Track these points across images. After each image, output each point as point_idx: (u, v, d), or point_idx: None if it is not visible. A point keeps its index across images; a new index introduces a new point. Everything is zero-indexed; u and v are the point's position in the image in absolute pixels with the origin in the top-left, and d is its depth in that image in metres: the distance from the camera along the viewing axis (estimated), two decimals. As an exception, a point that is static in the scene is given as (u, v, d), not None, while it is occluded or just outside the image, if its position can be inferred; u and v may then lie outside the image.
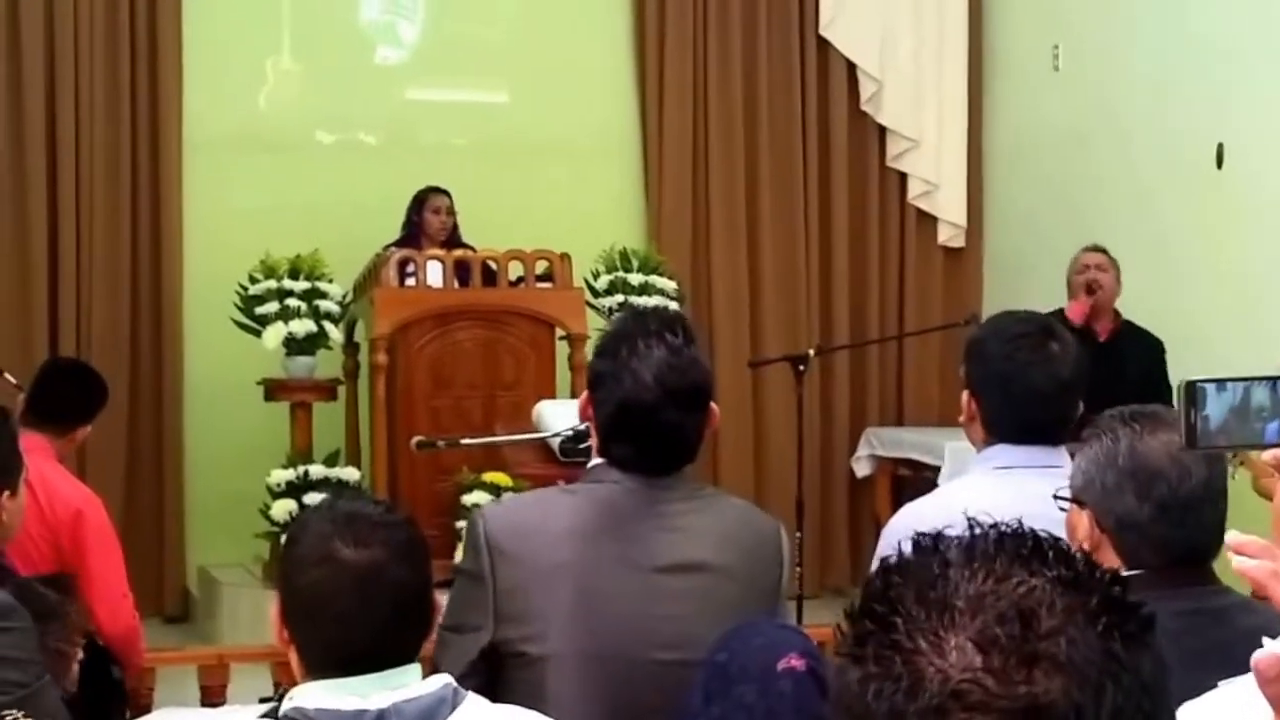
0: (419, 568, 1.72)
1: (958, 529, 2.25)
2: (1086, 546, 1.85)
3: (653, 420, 2.12)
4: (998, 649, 0.83)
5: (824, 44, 7.35)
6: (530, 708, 2.02)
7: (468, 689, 2.04)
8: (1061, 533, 1.91)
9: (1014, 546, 0.88)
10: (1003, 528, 0.89)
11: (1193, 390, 1.41)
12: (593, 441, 2.23)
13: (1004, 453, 2.33)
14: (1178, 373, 5.39)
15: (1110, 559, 1.83)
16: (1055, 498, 1.92)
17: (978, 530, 0.89)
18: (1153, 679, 0.85)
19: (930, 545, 0.89)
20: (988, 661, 0.82)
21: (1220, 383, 1.40)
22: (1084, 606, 0.85)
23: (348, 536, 1.67)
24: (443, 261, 6.07)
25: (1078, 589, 0.86)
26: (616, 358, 2.15)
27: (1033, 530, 0.89)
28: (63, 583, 3.02)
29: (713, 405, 2.19)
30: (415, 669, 1.69)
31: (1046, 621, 0.84)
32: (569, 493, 2.33)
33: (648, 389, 2.11)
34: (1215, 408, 1.40)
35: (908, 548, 0.90)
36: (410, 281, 6.01)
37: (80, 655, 2.95)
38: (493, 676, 2.10)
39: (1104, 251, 5.49)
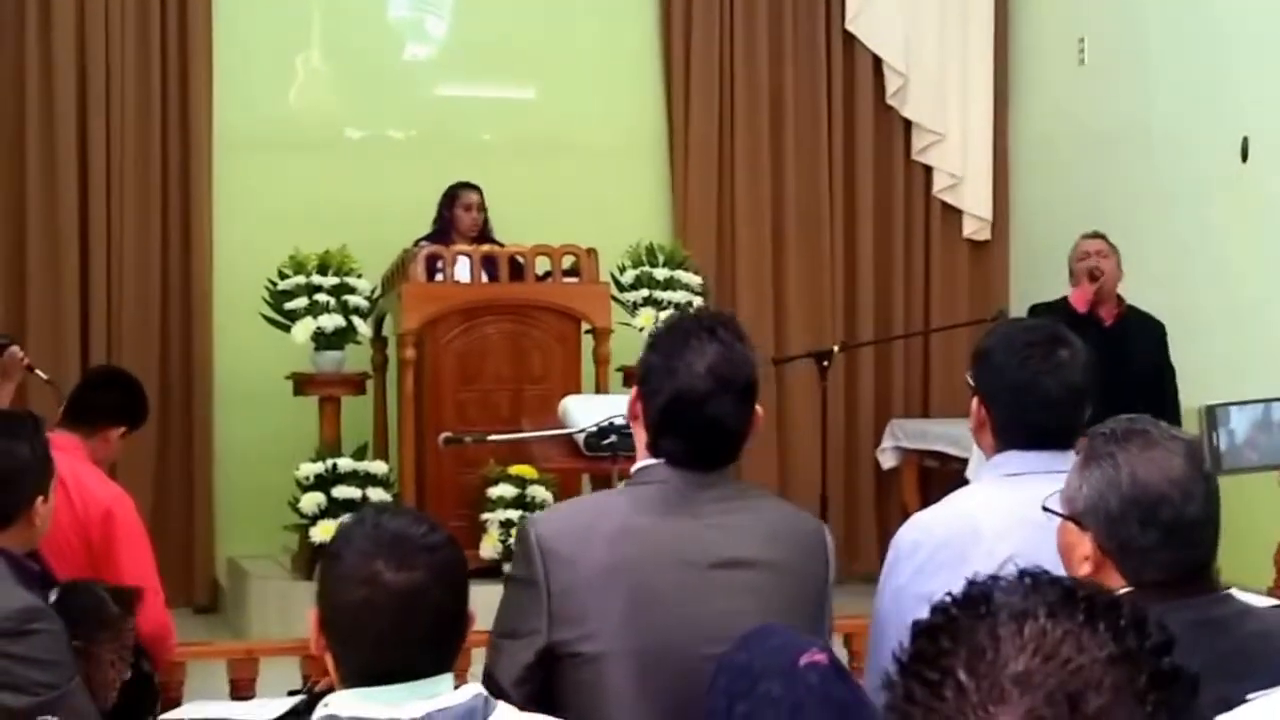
0: (459, 590, 1.74)
1: (970, 540, 2.24)
2: (1088, 568, 1.88)
3: (704, 411, 2.16)
4: None
5: (850, 39, 7.36)
6: (587, 706, 2.07)
7: (524, 694, 2.08)
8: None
9: (1066, 617, 0.88)
10: (1055, 590, 0.89)
11: (1213, 414, 1.43)
12: (639, 439, 2.25)
13: (1014, 459, 2.34)
14: (1196, 366, 5.41)
15: (1113, 578, 1.86)
16: (1045, 509, 1.94)
17: (1029, 587, 0.89)
18: None
19: (980, 603, 0.89)
20: None
21: (1240, 404, 1.42)
22: (1131, 684, 0.86)
23: (391, 559, 1.68)
24: (470, 256, 6.12)
25: (1127, 664, 0.86)
26: (670, 352, 2.19)
27: (1085, 594, 0.89)
28: (127, 598, 3.07)
29: (758, 406, 2.23)
30: (448, 679, 1.72)
31: (1094, 702, 0.84)
32: (616, 494, 2.38)
33: (701, 379, 2.15)
34: (1239, 427, 1.42)
35: (958, 593, 0.89)
36: (438, 277, 6.06)
37: (127, 674, 3.00)
38: (549, 678, 2.13)
39: (1103, 238, 5.49)
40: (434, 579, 1.69)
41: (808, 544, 2.26)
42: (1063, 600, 0.89)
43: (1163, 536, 1.83)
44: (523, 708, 2.03)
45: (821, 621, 2.25)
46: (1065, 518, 1.91)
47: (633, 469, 2.28)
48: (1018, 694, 0.85)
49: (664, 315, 6.19)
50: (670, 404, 2.17)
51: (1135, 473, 1.85)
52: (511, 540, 5.68)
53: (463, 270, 6.12)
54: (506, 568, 6.11)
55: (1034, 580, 0.90)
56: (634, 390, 2.26)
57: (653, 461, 2.22)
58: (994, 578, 0.91)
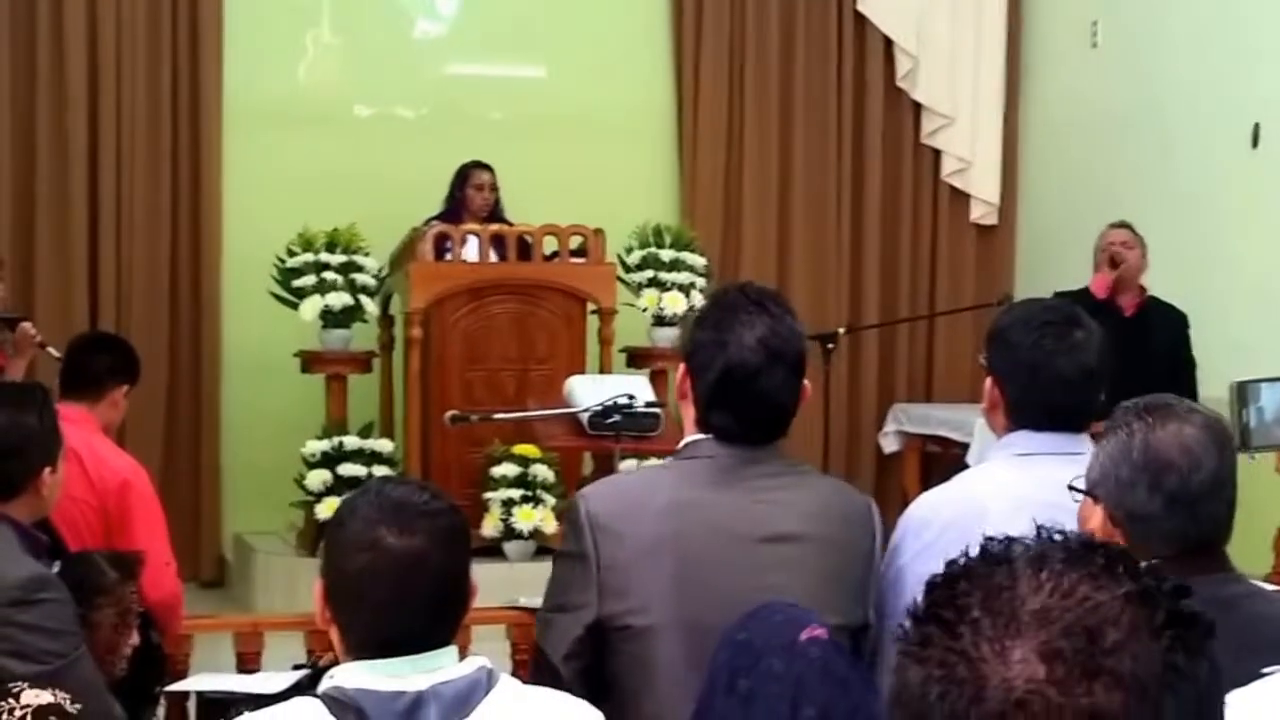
0: (460, 556, 1.75)
1: (977, 520, 2.26)
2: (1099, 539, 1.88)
3: (755, 385, 2.15)
4: (1061, 661, 0.84)
5: (861, 19, 7.35)
6: (637, 678, 2.09)
7: (575, 667, 2.10)
8: (1075, 521, 1.95)
9: (1083, 561, 0.89)
10: (1073, 541, 0.91)
11: (1243, 390, 1.44)
12: (687, 416, 2.25)
13: (1025, 439, 2.33)
14: (1208, 352, 5.41)
15: None
16: (1070, 488, 1.94)
17: (1047, 541, 0.91)
18: (1209, 687, 0.87)
19: (1000, 553, 0.91)
20: (1051, 673, 0.84)
21: (1270, 381, 1.43)
22: (1149, 621, 0.86)
23: (393, 524, 1.70)
24: (479, 236, 6.12)
25: (1144, 603, 0.87)
26: (719, 326, 2.19)
27: (1104, 546, 0.91)
28: (127, 563, 3.08)
29: (806, 382, 2.23)
30: (452, 651, 1.73)
31: (1111, 636, 0.85)
32: (664, 469, 2.37)
33: (753, 352, 2.15)
34: (1268, 404, 1.43)
35: (975, 552, 0.91)
36: (447, 256, 6.07)
37: (135, 640, 3.01)
38: (599, 650, 2.14)
39: (1129, 227, 5.49)
40: (435, 544, 1.71)
41: (855, 519, 2.27)
42: (1080, 548, 0.90)
43: (1167, 504, 1.83)
44: (572, 681, 2.05)
45: (868, 596, 2.26)
46: (1084, 493, 1.92)
47: (680, 444, 2.28)
48: (1035, 627, 0.85)
49: (667, 296, 6.20)
50: (722, 378, 2.17)
51: (1148, 441, 1.85)
52: (513, 520, 5.71)
53: (471, 250, 6.13)
54: (507, 546, 6.15)
55: (1050, 534, 0.92)
56: (681, 368, 2.25)
57: (700, 436, 2.22)
58: (1010, 537, 0.93)
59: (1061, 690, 0.83)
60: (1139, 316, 5.39)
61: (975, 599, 0.87)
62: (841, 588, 2.18)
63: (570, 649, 2.13)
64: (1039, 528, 0.92)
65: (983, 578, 0.89)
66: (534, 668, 2.20)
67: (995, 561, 0.90)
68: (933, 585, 0.91)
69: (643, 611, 2.12)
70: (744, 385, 2.16)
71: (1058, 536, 0.91)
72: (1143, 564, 1.84)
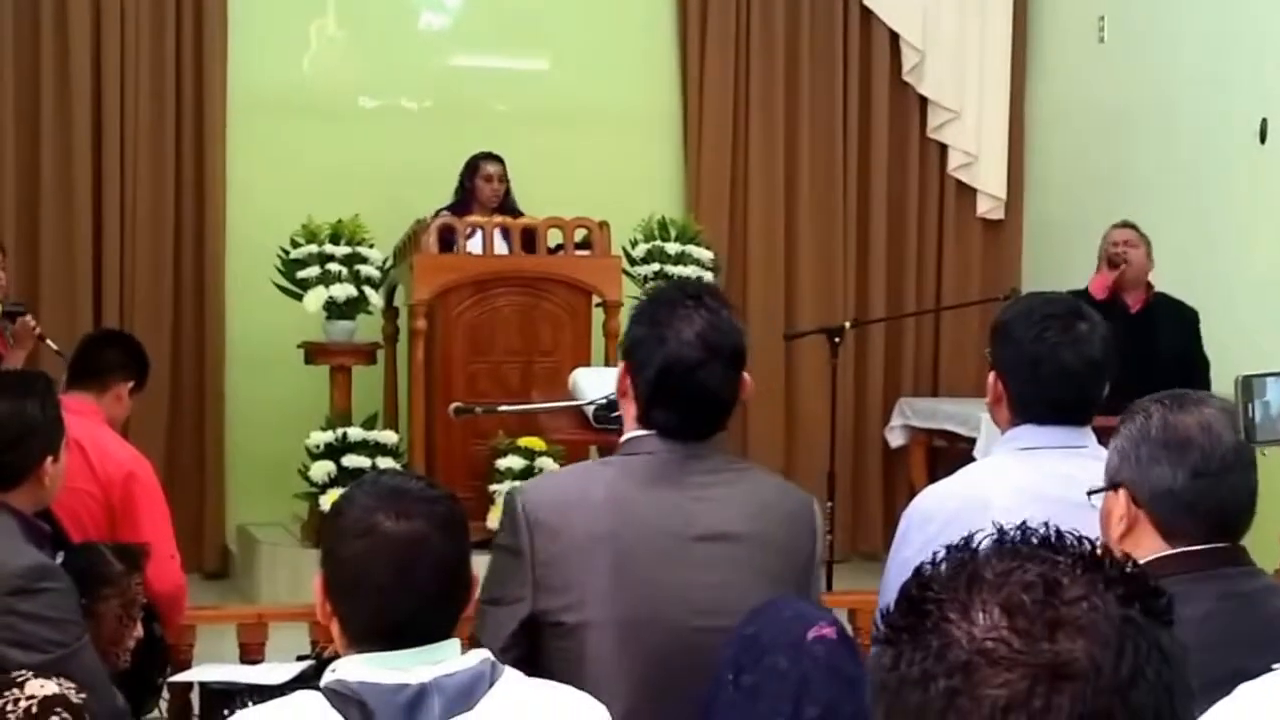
0: (459, 541, 1.75)
1: (980, 514, 2.26)
2: (1123, 527, 1.86)
3: (694, 379, 2.16)
4: (1023, 613, 0.88)
5: (867, 13, 7.32)
6: (569, 674, 2.05)
7: (508, 661, 2.08)
8: (1081, 514, 1.94)
9: (1041, 539, 0.94)
10: (1030, 526, 0.95)
11: (1249, 384, 1.43)
12: (628, 414, 2.24)
13: (1029, 433, 2.33)
14: (1216, 348, 5.39)
15: (1147, 536, 1.84)
16: (1090, 494, 1.92)
17: (1008, 535, 0.96)
18: (1171, 650, 0.90)
19: (963, 543, 0.95)
20: (1013, 623, 0.88)
21: (1277, 375, 1.42)
22: (1105, 578, 0.90)
23: (390, 510, 1.70)
24: (483, 229, 6.11)
25: (1098, 568, 0.91)
26: (656, 322, 2.19)
27: (1059, 528, 0.95)
28: (132, 555, 3.08)
29: (745, 374, 2.23)
30: (455, 644, 1.72)
31: (1070, 590, 0.89)
32: (604, 465, 2.37)
33: (691, 346, 2.15)
34: (1274, 398, 1.42)
35: (942, 553, 0.95)
36: (454, 249, 6.05)
37: (140, 632, 3.01)
38: (533, 646, 2.13)
39: (1133, 227, 5.47)
40: (433, 528, 1.71)
41: (795, 518, 2.26)
42: (1039, 536, 0.95)
43: (1191, 478, 1.82)
44: None
45: (806, 595, 2.25)
46: (1103, 489, 1.90)
47: (621, 439, 2.28)
48: (996, 587, 0.90)
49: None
50: (661, 373, 2.17)
51: (1167, 419, 1.85)
52: (519, 512, 5.70)
53: (475, 242, 6.11)
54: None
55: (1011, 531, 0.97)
56: (622, 365, 2.25)
57: (643, 432, 2.22)
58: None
59: (1024, 639, 0.87)
60: (1144, 313, 5.38)
61: (940, 576, 0.92)
62: (779, 587, 2.17)
63: (506, 642, 2.12)
64: (999, 530, 0.95)
65: (949, 559, 0.94)
66: None
67: (961, 548, 0.95)
68: (905, 584, 0.95)
69: (576, 608, 2.11)
70: (684, 380, 2.16)
71: (1018, 530, 0.97)
72: (1155, 556, 1.82)
